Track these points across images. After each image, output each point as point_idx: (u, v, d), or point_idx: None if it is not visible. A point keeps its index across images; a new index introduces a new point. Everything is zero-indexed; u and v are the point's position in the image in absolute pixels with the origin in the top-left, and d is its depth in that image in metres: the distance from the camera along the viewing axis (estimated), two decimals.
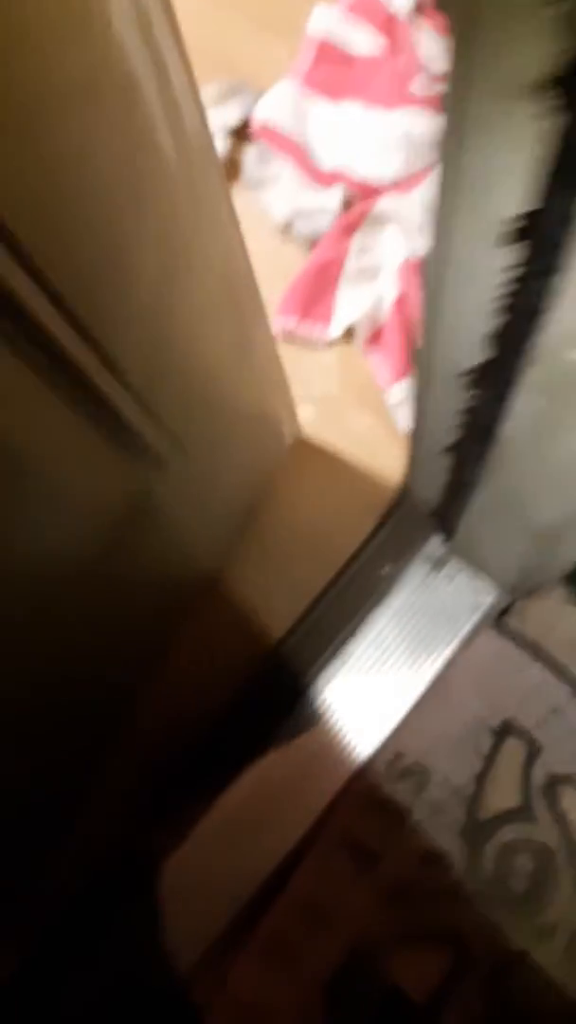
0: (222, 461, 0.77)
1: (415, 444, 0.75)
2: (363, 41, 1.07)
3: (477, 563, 0.88)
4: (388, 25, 1.06)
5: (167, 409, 0.53)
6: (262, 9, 1.15)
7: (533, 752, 1.02)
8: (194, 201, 0.48)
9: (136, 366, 0.47)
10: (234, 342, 0.65)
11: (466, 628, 0.91)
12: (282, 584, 0.94)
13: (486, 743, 1.02)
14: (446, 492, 0.73)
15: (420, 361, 0.54)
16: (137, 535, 0.63)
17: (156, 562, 0.73)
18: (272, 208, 1.02)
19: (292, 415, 0.94)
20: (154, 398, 0.51)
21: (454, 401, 0.51)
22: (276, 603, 0.93)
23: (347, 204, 1.00)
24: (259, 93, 1.07)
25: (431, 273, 0.43)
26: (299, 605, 0.93)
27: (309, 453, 0.99)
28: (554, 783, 1.02)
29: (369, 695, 0.90)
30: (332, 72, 1.06)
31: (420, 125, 0.99)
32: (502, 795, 1.02)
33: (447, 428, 0.56)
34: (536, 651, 1.06)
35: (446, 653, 0.90)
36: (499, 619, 0.96)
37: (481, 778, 1.02)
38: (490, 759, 1.02)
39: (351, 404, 0.99)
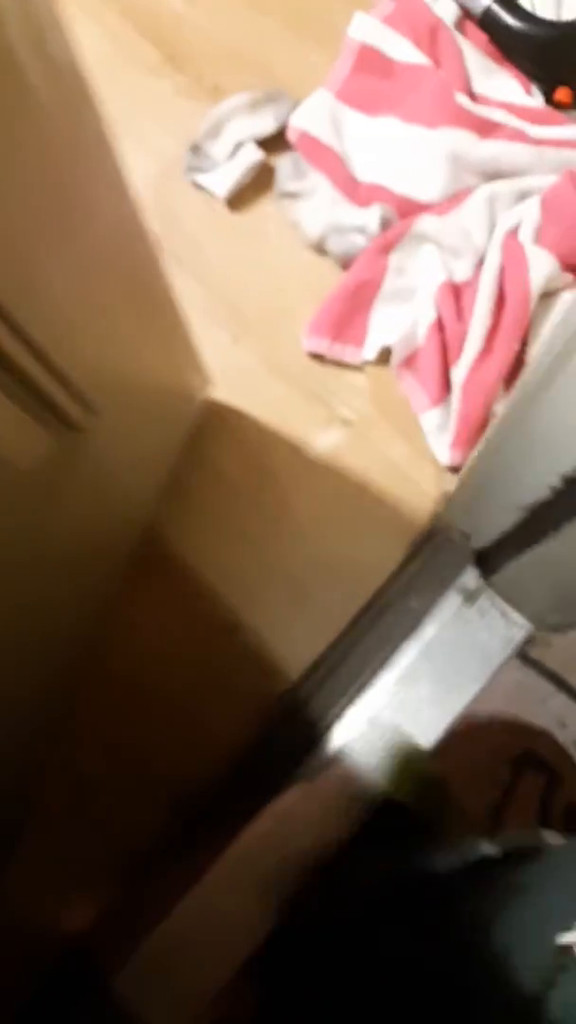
0: (134, 421, 0.74)
1: (474, 487, 0.73)
2: (405, 49, 1.03)
3: (514, 599, 0.86)
4: (431, 35, 1.03)
5: (71, 365, 0.51)
6: (300, 13, 1.11)
7: (553, 783, 1.01)
8: (74, 146, 0.46)
9: (31, 317, 0.44)
10: (130, 296, 0.63)
11: (496, 664, 0.89)
12: (304, 612, 0.92)
13: (505, 773, 1.02)
14: (503, 539, 0.71)
15: (512, 410, 0.52)
16: (55, 509, 0.60)
17: (79, 541, 0.70)
18: (305, 223, 0.99)
19: (201, 376, 0.92)
20: (56, 353, 0.48)
21: (559, 464, 0.49)
22: (295, 633, 0.91)
23: (385, 223, 0.97)
24: (295, 101, 1.03)
25: (571, 315, 0.41)
26: (321, 635, 0.91)
27: (336, 477, 0.96)
28: (573, 813, 1.01)
29: (392, 733, 0.89)
30: (370, 82, 1.03)
31: (463, 145, 0.97)
32: (520, 826, 1.02)
33: (536, 486, 0.54)
34: (559, 681, 1.05)
35: (475, 689, 0.89)
36: (523, 648, 0.95)
37: (499, 809, 1.02)
38: (509, 790, 1.01)
39: (383, 428, 0.97)
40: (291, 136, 1.01)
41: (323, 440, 0.97)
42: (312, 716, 0.89)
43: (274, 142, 1.04)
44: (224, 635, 0.91)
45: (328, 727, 0.88)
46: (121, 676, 0.89)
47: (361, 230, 0.97)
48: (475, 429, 0.90)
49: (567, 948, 0.48)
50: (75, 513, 0.65)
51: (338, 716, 0.88)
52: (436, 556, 0.90)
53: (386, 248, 0.96)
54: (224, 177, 1.00)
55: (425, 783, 0.87)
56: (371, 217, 0.96)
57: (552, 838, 0.66)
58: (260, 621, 0.91)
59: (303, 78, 1.08)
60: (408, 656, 0.89)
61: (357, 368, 0.98)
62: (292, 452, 0.97)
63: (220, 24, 1.12)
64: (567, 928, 0.49)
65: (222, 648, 0.91)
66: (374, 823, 0.84)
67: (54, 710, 0.84)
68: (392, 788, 0.85)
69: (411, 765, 0.87)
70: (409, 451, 0.96)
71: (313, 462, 0.97)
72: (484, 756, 1.04)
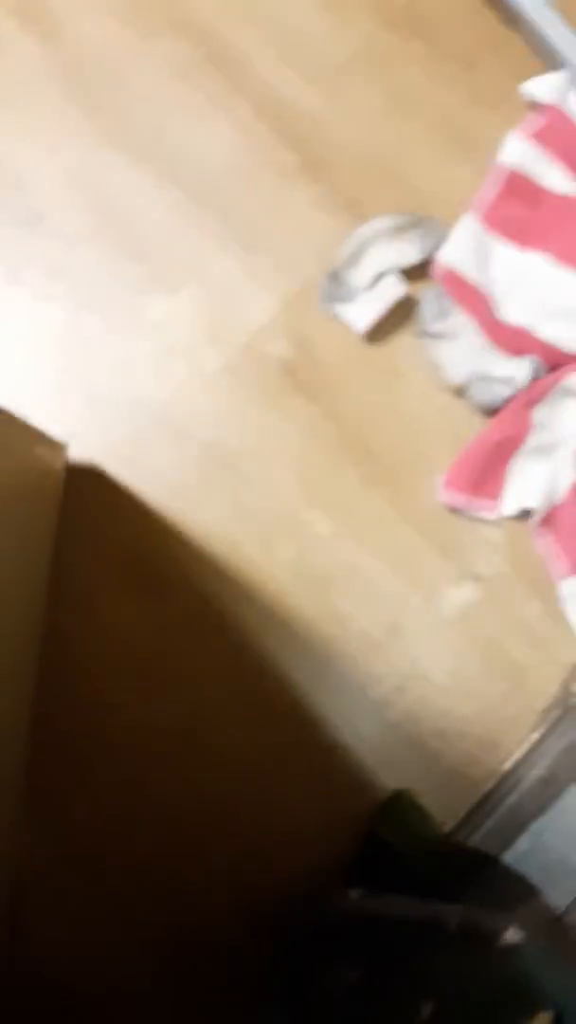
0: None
1: None
2: (557, 177, 0.98)
3: None
4: None
5: None
6: (443, 121, 1.05)
7: None
8: None
9: None
10: None
11: None
12: (427, 778, 0.92)
13: None
14: None
15: None
16: None
17: None
18: (448, 367, 0.95)
19: (48, 445, 0.89)
20: None
21: None
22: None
23: (534, 375, 0.93)
24: (441, 229, 0.98)
25: None
26: (449, 805, 0.91)
27: (466, 635, 0.95)
28: None
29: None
30: (519, 210, 0.98)
31: None
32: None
33: None
34: None
35: None
36: None
37: None
38: None
39: (517, 587, 0.95)
40: (437, 272, 0.96)
41: (454, 596, 0.95)
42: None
43: (416, 270, 0.99)
44: (350, 797, 0.91)
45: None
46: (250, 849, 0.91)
47: (507, 381, 0.93)
48: None
49: None
50: None
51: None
52: (568, 735, 0.89)
53: (531, 402, 0.93)
54: (364, 311, 0.96)
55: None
56: (520, 370, 0.92)
57: None
58: (385, 785, 0.91)
59: (446, 192, 1.02)
60: (525, 843, 0.88)
61: (493, 522, 0.95)
62: (422, 606, 0.95)
63: (360, 128, 1.06)
64: None
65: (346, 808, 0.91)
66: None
67: None
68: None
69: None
70: (544, 612, 0.94)
71: (443, 618, 0.95)
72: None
